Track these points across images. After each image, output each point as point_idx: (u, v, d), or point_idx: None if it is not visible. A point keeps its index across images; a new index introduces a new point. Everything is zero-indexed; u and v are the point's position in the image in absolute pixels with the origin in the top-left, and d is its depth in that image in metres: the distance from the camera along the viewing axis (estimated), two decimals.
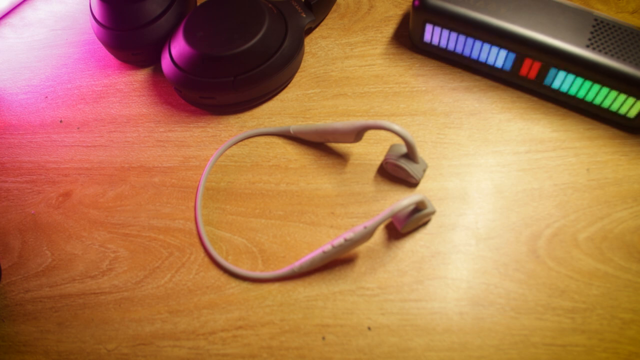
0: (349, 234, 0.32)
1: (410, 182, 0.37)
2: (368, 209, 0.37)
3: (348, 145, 0.39)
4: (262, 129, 0.40)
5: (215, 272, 0.36)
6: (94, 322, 0.35)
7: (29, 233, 0.39)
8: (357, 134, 0.35)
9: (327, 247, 0.33)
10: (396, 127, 0.33)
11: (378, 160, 0.38)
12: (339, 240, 0.33)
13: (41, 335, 0.36)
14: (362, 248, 0.35)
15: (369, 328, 0.33)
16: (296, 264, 0.34)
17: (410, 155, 0.35)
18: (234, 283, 0.35)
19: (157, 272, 0.36)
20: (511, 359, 0.31)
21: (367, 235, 0.32)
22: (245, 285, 0.35)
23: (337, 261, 0.35)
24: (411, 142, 0.34)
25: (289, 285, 0.35)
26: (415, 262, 0.34)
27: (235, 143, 0.40)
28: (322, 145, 0.40)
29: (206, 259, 0.36)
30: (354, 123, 0.35)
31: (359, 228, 0.32)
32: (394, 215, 0.32)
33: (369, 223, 0.32)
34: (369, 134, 0.39)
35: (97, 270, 0.37)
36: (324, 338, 0.33)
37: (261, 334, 0.34)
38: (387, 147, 0.39)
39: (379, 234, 0.36)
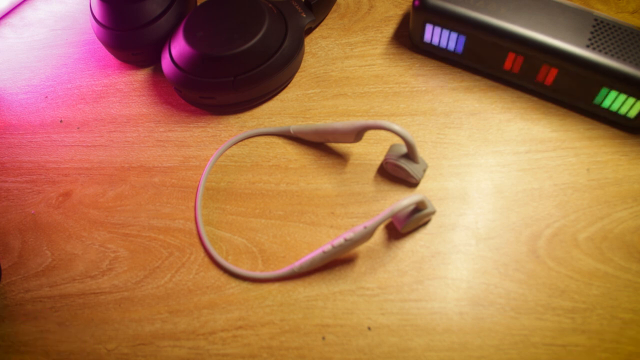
0: (349, 234, 0.32)
1: (410, 182, 0.37)
2: (368, 209, 0.37)
3: (348, 145, 0.39)
4: (262, 129, 0.40)
5: (215, 272, 0.36)
6: (94, 322, 0.35)
7: (29, 233, 0.39)
8: (357, 134, 0.35)
9: (327, 247, 0.33)
10: (396, 127, 0.33)
11: (378, 160, 0.38)
12: (339, 240, 0.33)
13: (41, 335, 0.36)
14: (362, 248, 0.35)
15: (369, 328, 0.33)
16: (296, 264, 0.34)
17: (410, 155, 0.35)
18: (234, 283, 0.35)
19: (157, 272, 0.36)
20: (511, 359, 0.31)
21: (367, 235, 0.32)
22: (245, 285, 0.35)
23: (337, 261, 0.35)
24: (411, 142, 0.34)
25: (289, 285, 0.35)
26: (415, 262, 0.34)
27: (235, 143, 0.40)
28: (322, 145, 0.40)
29: (206, 259, 0.36)
30: (354, 123, 0.35)
31: (359, 228, 0.32)
32: (394, 215, 0.32)
33: (369, 223, 0.32)
34: (369, 134, 0.39)
35: (97, 270, 0.37)
36: (324, 338, 0.33)
37: (261, 334, 0.34)
38: (387, 147, 0.39)
39: (379, 234, 0.36)
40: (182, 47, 0.40)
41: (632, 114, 0.35)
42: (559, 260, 0.33)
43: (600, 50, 0.35)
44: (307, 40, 0.45)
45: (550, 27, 0.36)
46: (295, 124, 0.40)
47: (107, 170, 0.41)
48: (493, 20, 0.36)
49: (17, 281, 0.38)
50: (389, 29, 0.44)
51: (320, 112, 0.41)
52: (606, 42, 0.35)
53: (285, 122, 0.41)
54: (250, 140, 0.41)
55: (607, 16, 0.36)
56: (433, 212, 0.34)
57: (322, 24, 0.45)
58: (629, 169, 0.36)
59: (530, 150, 0.37)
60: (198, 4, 0.45)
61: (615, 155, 0.36)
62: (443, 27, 0.38)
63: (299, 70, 0.43)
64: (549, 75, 0.37)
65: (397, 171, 0.36)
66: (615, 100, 0.35)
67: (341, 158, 0.39)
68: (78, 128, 0.44)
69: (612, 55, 0.34)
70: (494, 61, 0.39)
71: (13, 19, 0.52)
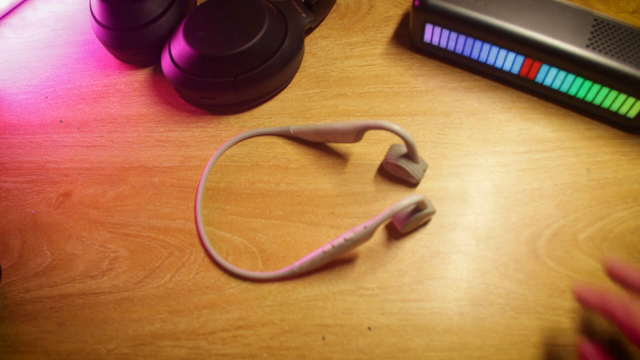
0: (349, 234, 0.32)
1: (410, 182, 0.37)
2: (368, 209, 0.37)
3: (348, 145, 0.39)
4: (262, 129, 0.40)
5: (215, 272, 0.36)
6: (94, 322, 0.35)
7: (29, 233, 0.39)
8: (357, 134, 0.35)
9: (327, 247, 0.33)
10: (396, 127, 0.33)
11: (378, 160, 0.38)
12: (339, 240, 0.33)
13: (41, 335, 0.36)
14: (362, 248, 0.35)
15: (369, 328, 0.33)
16: (296, 264, 0.34)
17: (410, 155, 0.35)
18: (234, 283, 0.35)
19: (157, 272, 0.36)
20: (511, 359, 0.31)
21: (367, 235, 0.32)
22: (245, 285, 0.35)
23: (337, 261, 0.35)
24: (411, 142, 0.34)
25: (289, 285, 0.35)
26: (415, 262, 0.34)
27: (235, 143, 0.40)
28: (322, 145, 0.40)
29: (206, 259, 0.36)
30: (354, 123, 0.35)
31: (359, 228, 0.32)
32: (394, 215, 0.32)
33: (369, 223, 0.32)
34: (369, 134, 0.39)
35: (97, 270, 0.37)
36: (324, 338, 0.33)
37: (261, 334, 0.33)
38: (387, 147, 0.39)
39: (379, 234, 0.36)
40: (182, 47, 0.40)
41: (632, 114, 0.35)
42: (559, 260, 0.33)
43: (600, 50, 0.35)
44: (307, 40, 0.45)
45: (550, 27, 0.36)
46: (295, 124, 0.40)
47: (107, 170, 0.41)
48: (493, 20, 0.36)
49: (17, 281, 0.38)
50: (389, 29, 0.44)
51: (320, 112, 0.41)
52: (606, 42, 0.35)
53: (285, 122, 0.41)
54: (250, 140, 0.41)
55: (607, 16, 0.36)
56: (433, 212, 0.34)
57: (322, 24, 0.45)
58: (629, 169, 0.36)
59: (530, 150, 0.37)
60: (198, 4, 0.45)
61: (615, 155, 0.36)
62: (443, 27, 0.38)
63: (299, 70, 0.43)
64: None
65: (397, 171, 0.36)
66: (615, 100, 0.35)
67: (341, 158, 0.39)
68: (78, 128, 0.44)
69: (612, 55, 0.34)
70: (494, 60, 0.39)
71: (13, 19, 0.52)
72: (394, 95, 0.41)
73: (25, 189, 0.41)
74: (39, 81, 0.47)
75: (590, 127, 0.38)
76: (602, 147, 0.37)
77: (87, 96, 0.45)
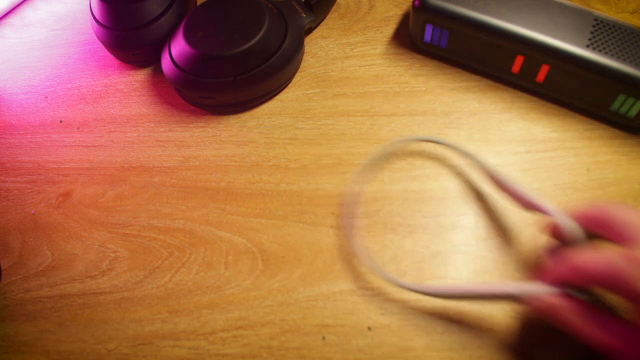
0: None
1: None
2: (368, 208, 0.37)
3: (348, 145, 0.39)
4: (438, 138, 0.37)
5: (215, 272, 0.36)
6: (94, 322, 0.35)
7: (29, 233, 0.39)
8: (527, 207, 0.32)
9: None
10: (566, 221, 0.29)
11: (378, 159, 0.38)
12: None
13: (41, 335, 0.36)
14: (362, 248, 0.35)
15: (369, 328, 0.33)
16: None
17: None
18: (234, 283, 0.35)
19: (157, 272, 0.36)
20: (511, 359, 0.31)
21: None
22: (245, 285, 0.35)
23: (337, 261, 0.35)
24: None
25: (289, 286, 0.35)
26: (415, 262, 0.34)
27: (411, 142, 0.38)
28: (322, 145, 0.40)
29: (206, 259, 0.36)
30: (533, 197, 0.31)
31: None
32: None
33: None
34: (368, 134, 0.39)
35: (97, 270, 0.37)
36: (324, 338, 0.33)
37: (261, 334, 0.33)
38: (387, 147, 0.38)
39: (379, 235, 0.36)
40: (182, 47, 0.40)
41: (632, 114, 0.35)
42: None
43: (600, 50, 0.35)
44: (307, 40, 0.45)
45: (550, 27, 0.36)
46: (295, 124, 0.40)
47: (107, 170, 0.41)
48: (493, 20, 0.36)
49: (17, 281, 0.38)
50: (389, 29, 0.44)
51: (320, 112, 0.41)
52: (606, 42, 0.35)
53: (285, 122, 0.41)
54: (250, 140, 0.41)
55: (607, 16, 0.36)
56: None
57: (322, 24, 0.45)
58: (629, 169, 0.36)
59: (530, 150, 0.37)
60: (198, 4, 0.45)
61: (615, 155, 0.36)
62: (443, 27, 0.38)
63: (299, 70, 0.43)
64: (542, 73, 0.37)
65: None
66: (615, 100, 0.35)
67: (341, 158, 0.39)
68: (78, 128, 0.44)
69: (612, 55, 0.34)
70: (495, 61, 0.39)
71: (13, 19, 0.52)
72: (394, 95, 0.41)
73: (25, 189, 0.41)
74: (39, 81, 0.47)
75: (590, 127, 0.38)
76: (602, 147, 0.37)
77: (87, 96, 0.45)
